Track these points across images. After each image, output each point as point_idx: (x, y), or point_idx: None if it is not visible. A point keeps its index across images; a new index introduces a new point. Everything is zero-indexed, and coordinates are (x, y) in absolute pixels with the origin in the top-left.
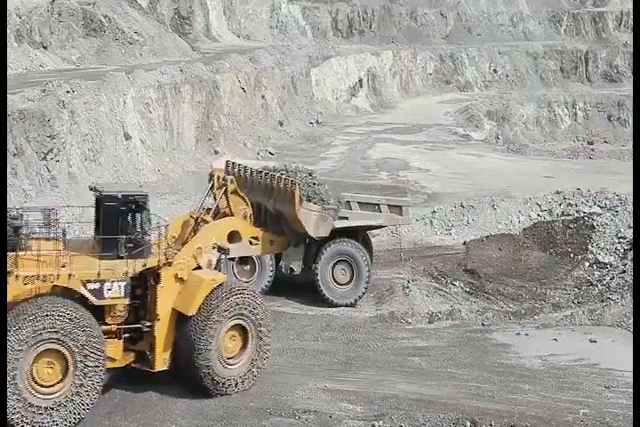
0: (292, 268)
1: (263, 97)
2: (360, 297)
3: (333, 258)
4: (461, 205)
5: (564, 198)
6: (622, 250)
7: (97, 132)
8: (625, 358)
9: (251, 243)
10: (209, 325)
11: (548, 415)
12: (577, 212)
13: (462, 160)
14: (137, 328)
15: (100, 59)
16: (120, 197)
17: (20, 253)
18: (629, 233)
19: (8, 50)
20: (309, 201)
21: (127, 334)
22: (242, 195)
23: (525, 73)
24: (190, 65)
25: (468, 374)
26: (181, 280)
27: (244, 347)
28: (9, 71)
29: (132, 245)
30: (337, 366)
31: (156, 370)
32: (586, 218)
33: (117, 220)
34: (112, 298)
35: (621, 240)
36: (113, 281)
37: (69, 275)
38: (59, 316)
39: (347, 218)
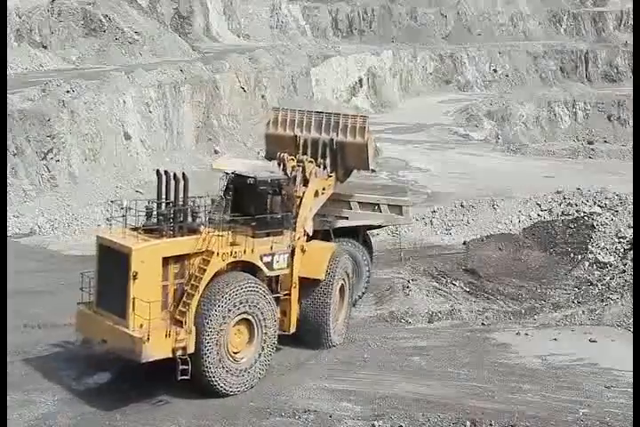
0: None
1: (263, 97)
2: (360, 297)
3: None
4: (461, 205)
5: (564, 198)
6: (622, 250)
7: (97, 132)
8: (625, 358)
9: (322, 193)
10: (333, 285)
11: (548, 415)
12: (577, 211)
13: (462, 160)
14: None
15: (100, 59)
16: (269, 181)
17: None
18: (629, 233)
19: (8, 50)
20: None
21: None
22: (310, 160)
23: (525, 73)
24: (190, 65)
25: (468, 374)
26: (304, 251)
27: (342, 304)
28: (9, 71)
29: (284, 221)
30: (337, 366)
31: (291, 332)
32: (586, 218)
33: (268, 200)
34: (279, 269)
35: (621, 240)
36: (280, 253)
37: (252, 250)
38: (251, 289)
39: (347, 218)
